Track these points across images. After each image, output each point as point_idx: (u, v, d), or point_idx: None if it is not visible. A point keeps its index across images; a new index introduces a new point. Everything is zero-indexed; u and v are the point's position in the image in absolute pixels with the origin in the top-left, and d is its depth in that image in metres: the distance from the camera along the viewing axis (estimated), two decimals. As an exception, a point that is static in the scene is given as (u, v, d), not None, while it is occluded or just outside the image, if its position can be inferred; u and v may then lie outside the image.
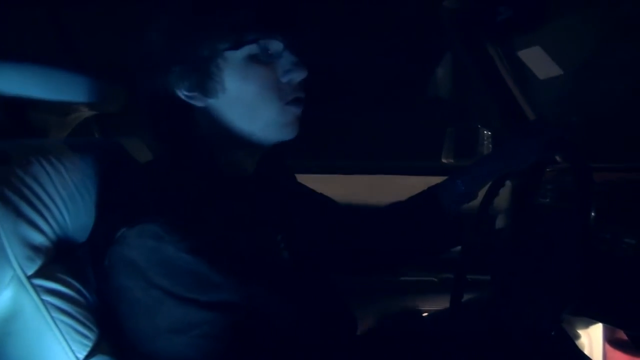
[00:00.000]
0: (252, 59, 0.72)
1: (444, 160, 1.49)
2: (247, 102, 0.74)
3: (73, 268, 0.73)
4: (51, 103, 0.99)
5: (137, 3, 0.78)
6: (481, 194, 1.01)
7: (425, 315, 1.54)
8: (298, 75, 0.75)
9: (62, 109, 1.19)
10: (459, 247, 1.06)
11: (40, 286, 0.67)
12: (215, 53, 0.71)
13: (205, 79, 0.72)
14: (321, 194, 1.05)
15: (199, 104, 0.74)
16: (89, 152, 0.87)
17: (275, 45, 0.74)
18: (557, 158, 1.35)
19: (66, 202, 0.76)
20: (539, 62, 1.33)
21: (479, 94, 1.47)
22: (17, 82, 0.88)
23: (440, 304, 1.45)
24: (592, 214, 0.78)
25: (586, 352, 1.44)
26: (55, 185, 0.75)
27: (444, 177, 0.99)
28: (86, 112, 1.27)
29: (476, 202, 1.01)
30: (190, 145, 0.77)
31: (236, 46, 0.71)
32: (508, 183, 1.05)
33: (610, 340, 1.44)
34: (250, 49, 0.72)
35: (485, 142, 1.41)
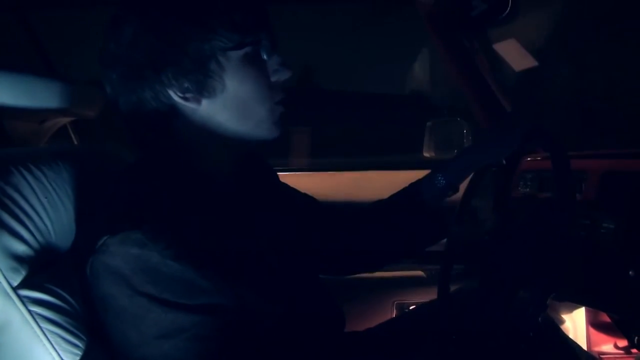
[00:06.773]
0: (248, 58, 0.73)
1: (425, 155, 1.50)
2: (243, 100, 0.74)
3: (58, 277, 0.72)
4: (26, 110, 0.96)
5: (111, 5, 0.76)
6: (463, 186, 1.03)
7: (413, 309, 1.56)
8: (285, 75, 0.77)
9: (38, 116, 1.16)
10: (444, 240, 1.07)
11: (27, 297, 0.66)
12: (215, 52, 0.71)
13: (205, 78, 0.72)
14: (304, 194, 1.05)
15: (192, 104, 0.73)
16: (70, 159, 0.85)
17: (268, 46, 0.75)
18: (536, 148, 1.38)
19: (48, 210, 0.74)
20: (514, 54, 1.35)
21: (456, 88, 1.48)
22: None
23: (427, 296, 1.47)
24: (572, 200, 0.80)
25: (570, 335, 1.47)
26: (37, 193, 0.74)
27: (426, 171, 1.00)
28: (63, 119, 1.25)
29: (459, 195, 1.02)
30: (173, 149, 0.76)
31: (239, 46, 0.72)
32: (489, 174, 1.06)
33: (593, 323, 1.47)
34: (247, 48, 0.73)
35: (465, 136, 1.43)
